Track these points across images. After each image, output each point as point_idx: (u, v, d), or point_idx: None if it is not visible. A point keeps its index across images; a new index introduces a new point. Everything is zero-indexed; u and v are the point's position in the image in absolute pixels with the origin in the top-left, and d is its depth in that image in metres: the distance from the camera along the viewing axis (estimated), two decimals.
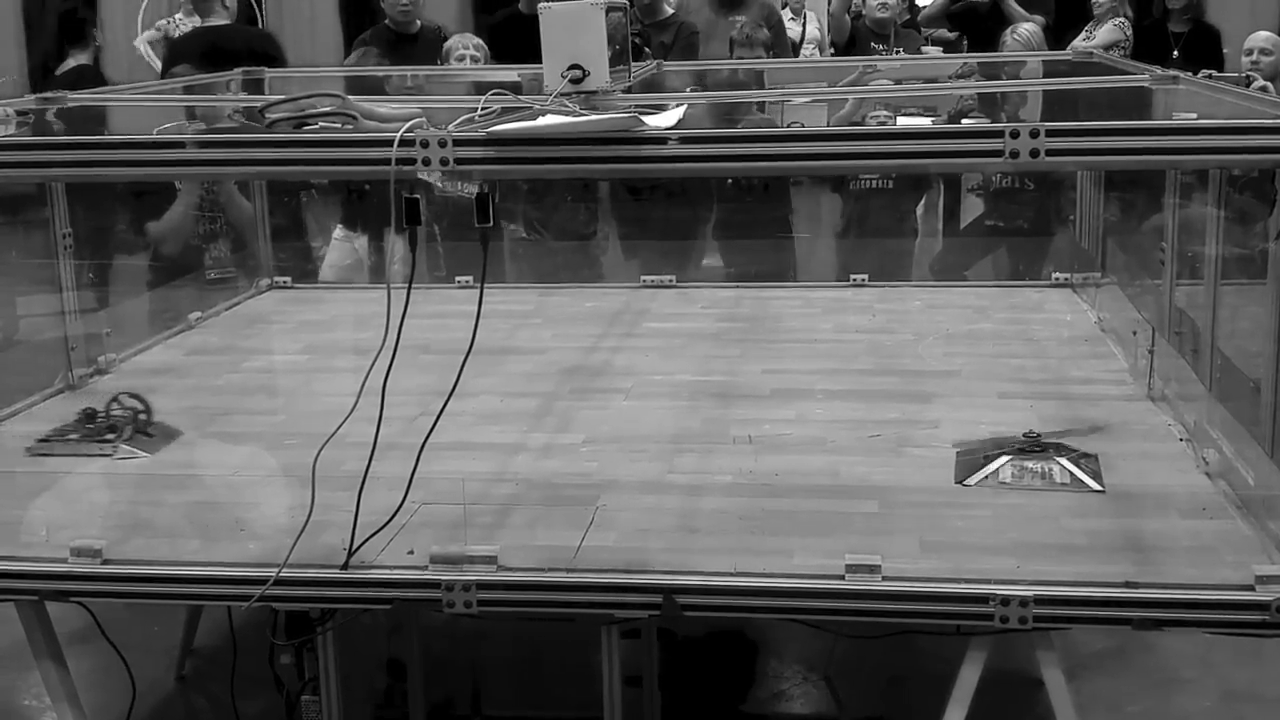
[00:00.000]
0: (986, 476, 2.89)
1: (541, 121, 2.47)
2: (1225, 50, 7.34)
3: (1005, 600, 2.38)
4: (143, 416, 3.34)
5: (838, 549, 2.52)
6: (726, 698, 3.86)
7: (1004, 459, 2.93)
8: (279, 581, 2.55)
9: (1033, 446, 2.99)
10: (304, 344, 4.23)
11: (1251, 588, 2.38)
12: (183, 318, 4.39)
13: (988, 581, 2.43)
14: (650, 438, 3.24)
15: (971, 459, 2.97)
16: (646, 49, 6.44)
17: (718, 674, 3.90)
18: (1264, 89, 5.67)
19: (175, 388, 3.80)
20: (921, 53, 7.80)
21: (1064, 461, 2.92)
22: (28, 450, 3.28)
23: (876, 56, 6.74)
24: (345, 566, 2.58)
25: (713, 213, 5.98)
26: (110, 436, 3.27)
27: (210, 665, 3.92)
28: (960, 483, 2.88)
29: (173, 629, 4.05)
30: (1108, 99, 3.61)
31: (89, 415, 3.36)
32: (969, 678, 2.51)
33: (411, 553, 2.61)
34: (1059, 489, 2.85)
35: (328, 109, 2.62)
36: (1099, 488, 2.84)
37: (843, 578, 2.47)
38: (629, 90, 3.15)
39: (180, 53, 6.58)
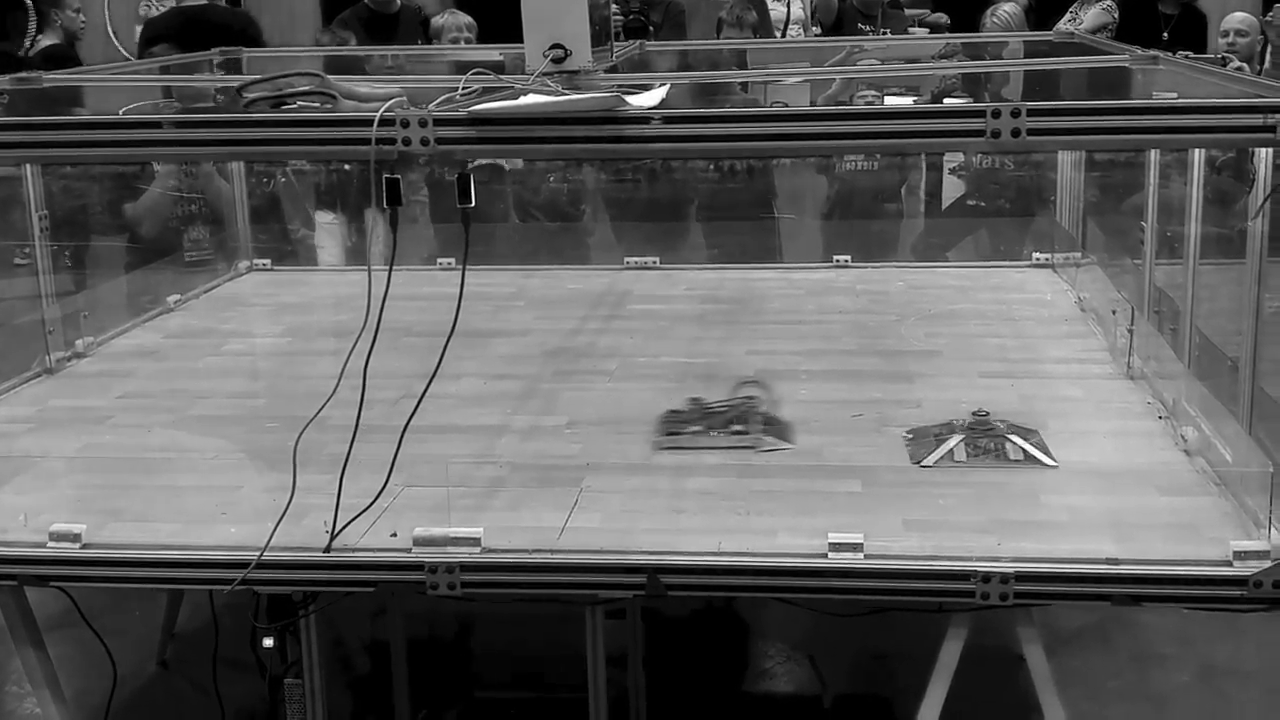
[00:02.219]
0: (942, 457, 2.91)
1: (523, 101, 2.47)
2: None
3: (986, 577, 2.41)
4: (761, 408, 3.19)
5: (821, 528, 2.54)
6: (711, 676, 3.89)
7: (956, 438, 2.96)
8: (260, 565, 2.55)
9: (981, 425, 3.02)
10: (284, 326, 4.24)
11: (1229, 563, 2.41)
12: (161, 300, 4.38)
13: (969, 559, 2.45)
14: (634, 419, 3.25)
15: (924, 440, 3.00)
16: (650, 28, 6.47)
17: (703, 653, 3.92)
18: (1240, 69, 5.71)
19: (154, 370, 3.80)
20: (909, 34, 7.82)
21: (1015, 439, 2.96)
22: (654, 444, 3.08)
23: (863, 37, 6.76)
24: (328, 549, 2.58)
25: (696, 194, 6.00)
26: (738, 428, 3.11)
27: (192, 650, 3.92)
28: (917, 464, 2.90)
29: (154, 613, 4.06)
30: (1088, 79, 3.63)
31: (704, 408, 3.22)
32: (950, 654, 2.54)
33: (395, 535, 2.61)
34: (1014, 465, 2.89)
35: (306, 88, 2.61)
36: (1052, 463, 2.88)
37: (825, 556, 2.49)
38: (612, 70, 3.16)
39: (157, 32, 6.55)
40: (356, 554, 2.58)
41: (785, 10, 7.57)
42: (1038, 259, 4.62)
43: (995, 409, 3.15)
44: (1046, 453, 2.92)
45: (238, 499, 2.86)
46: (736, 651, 4.00)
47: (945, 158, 5.96)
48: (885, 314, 4.12)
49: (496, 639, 3.80)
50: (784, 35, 7.43)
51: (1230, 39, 6.62)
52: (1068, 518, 2.65)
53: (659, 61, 4.72)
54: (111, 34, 9.26)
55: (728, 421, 3.15)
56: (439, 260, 4.55)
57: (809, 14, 7.66)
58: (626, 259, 4.80)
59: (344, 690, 3.36)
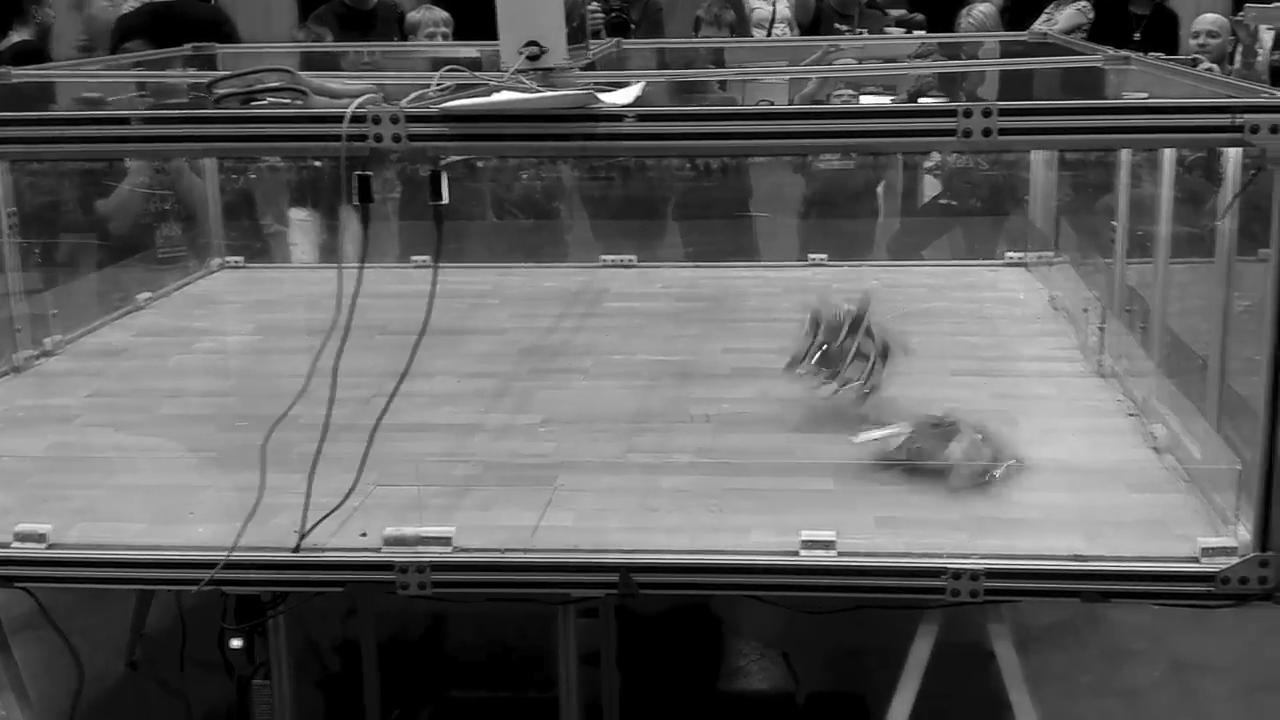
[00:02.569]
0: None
1: (495, 98, 2.47)
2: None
3: (957, 574, 2.42)
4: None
5: (794, 526, 2.54)
6: (686, 674, 3.89)
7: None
8: (228, 565, 2.53)
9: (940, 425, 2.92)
10: (256, 324, 4.21)
11: (1197, 560, 2.43)
12: (132, 298, 4.35)
13: (939, 556, 2.46)
14: (609, 417, 3.25)
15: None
16: (632, 25, 6.48)
17: (677, 651, 3.92)
18: (1210, 70, 5.74)
19: (124, 369, 3.77)
20: (885, 33, 7.83)
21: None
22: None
23: (840, 36, 6.77)
24: (297, 549, 2.56)
25: (672, 192, 6.01)
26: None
27: (161, 651, 3.89)
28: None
29: (123, 614, 4.03)
30: (1061, 79, 3.64)
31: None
32: (922, 650, 2.55)
33: (365, 535, 2.60)
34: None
35: (277, 85, 2.60)
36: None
37: (798, 554, 2.49)
38: (590, 67, 3.15)
39: (130, 27, 6.51)
40: (326, 554, 2.57)
41: (771, 9, 7.57)
42: (1011, 258, 4.64)
43: (968, 407, 3.16)
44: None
45: (206, 499, 2.84)
46: (711, 649, 4.00)
47: (921, 156, 5.97)
48: None
49: (471, 638, 3.79)
50: (770, 34, 7.44)
51: (1201, 40, 6.66)
52: (1039, 515, 2.65)
53: (637, 59, 4.72)
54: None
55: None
56: (413, 257, 4.54)
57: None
58: (603, 256, 4.79)
59: (314, 691, 3.35)
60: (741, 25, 6.96)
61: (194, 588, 2.57)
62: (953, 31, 6.51)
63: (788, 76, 4.16)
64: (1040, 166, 4.57)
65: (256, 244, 5.28)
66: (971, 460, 2.73)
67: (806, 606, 2.83)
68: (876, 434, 2.89)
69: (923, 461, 2.79)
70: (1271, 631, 3.93)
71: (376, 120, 2.37)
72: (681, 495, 2.78)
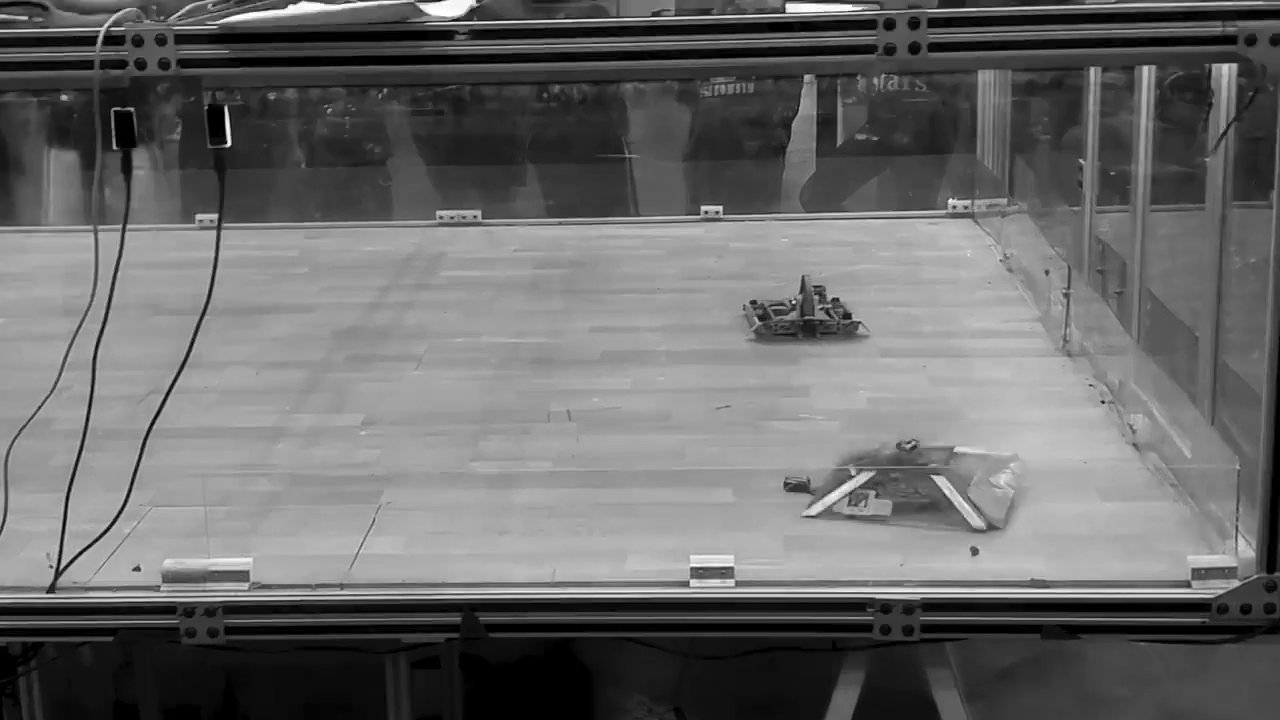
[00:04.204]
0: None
1: (291, 10, 2.44)
2: None
3: (886, 606, 2.44)
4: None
5: (683, 549, 2.55)
6: None
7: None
8: None
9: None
10: (1, 302, 4.13)
11: (1187, 584, 2.46)
12: None
13: (864, 584, 2.47)
14: (449, 417, 3.26)
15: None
16: None
17: (541, 707, 3.93)
18: None
19: None
20: None
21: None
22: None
23: None
24: (52, 588, 2.52)
25: (528, 130, 6.00)
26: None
27: None
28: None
29: None
30: None
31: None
32: (844, 704, 2.58)
33: (138, 569, 2.58)
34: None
35: None
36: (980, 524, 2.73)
37: (687, 585, 2.50)
38: None
39: None
40: (89, 594, 2.53)
41: None
42: (955, 207, 4.72)
43: (903, 395, 3.20)
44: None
45: None
46: (585, 704, 4.01)
47: (839, 81, 6.03)
48: (765, 279, 4.16)
49: (280, 697, 3.77)
50: None
51: None
52: (988, 530, 2.69)
53: None
54: None
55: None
56: (199, 217, 4.48)
57: None
58: (439, 212, 4.81)
59: None
60: None
61: None
62: None
63: None
64: (990, 92, 4.64)
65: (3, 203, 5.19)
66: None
67: (700, 650, 2.84)
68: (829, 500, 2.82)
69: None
70: None
71: (138, 41, 2.32)
72: (540, 513, 2.79)
